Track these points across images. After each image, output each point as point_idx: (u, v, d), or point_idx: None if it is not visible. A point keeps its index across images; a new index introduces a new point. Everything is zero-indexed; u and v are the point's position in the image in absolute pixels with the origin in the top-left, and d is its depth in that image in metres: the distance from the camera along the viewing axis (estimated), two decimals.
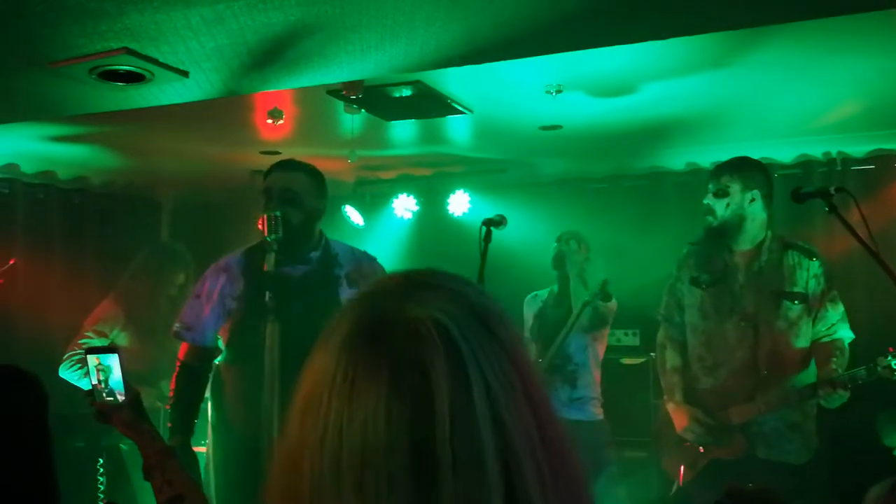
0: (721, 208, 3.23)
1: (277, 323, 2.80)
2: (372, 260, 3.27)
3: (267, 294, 2.81)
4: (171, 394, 3.08)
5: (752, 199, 3.22)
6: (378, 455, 0.74)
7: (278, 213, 2.89)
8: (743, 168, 3.26)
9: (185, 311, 3.17)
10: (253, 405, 2.84)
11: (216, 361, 3.15)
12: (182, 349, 3.15)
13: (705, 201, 3.30)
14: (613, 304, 4.20)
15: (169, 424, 3.02)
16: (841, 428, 3.48)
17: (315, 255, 3.11)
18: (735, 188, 3.22)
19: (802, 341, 3.21)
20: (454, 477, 0.73)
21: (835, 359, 3.12)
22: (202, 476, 3.12)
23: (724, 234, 3.26)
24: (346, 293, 3.10)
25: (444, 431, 0.74)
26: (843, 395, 3.01)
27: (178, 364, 3.12)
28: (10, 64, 2.54)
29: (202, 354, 3.11)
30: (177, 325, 3.14)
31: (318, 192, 3.12)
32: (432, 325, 0.78)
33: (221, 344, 3.12)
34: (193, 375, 3.11)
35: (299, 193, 3.02)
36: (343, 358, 0.79)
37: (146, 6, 2.08)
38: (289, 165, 3.12)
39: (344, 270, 3.14)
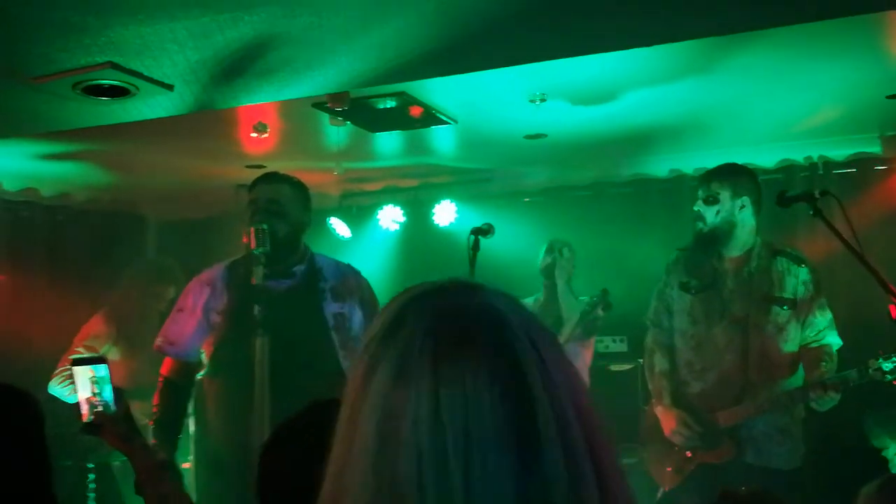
0: (711, 215, 3.24)
1: (266, 336, 2.78)
2: (357, 273, 3.26)
3: (256, 307, 2.79)
4: (154, 409, 3.06)
5: (742, 206, 3.23)
6: (486, 432, 0.78)
7: (265, 226, 2.88)
8: (733, 175, 3.28)
9: (168, 325, 3.14)
10: (236, 419, 2.82)
11: (199, 375, 3.13)
12: (165, 364, 3.12)
13: (695, 208, 3.30)
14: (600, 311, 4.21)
15: (153, 441, 2.98)
16: (829, 430, 3.49)
17: (300, 268, 3.10)
18: (725, 195, 3.23)
19: (791, 346, 3.22)
20: (557, 444, 0.80)
21: (824, 363, 3.14)
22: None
23: (714, 240, 3.27)
24: (330, 307, 3.09)
25: (544, 405, 0.80)
26: (834, 398, 3.02)
27: (161, 379, 3.09)
28: None
29: (185, 369, 3.09)
30: (159, 339, 3.12)
31: (304, 205, 3.11)
32: (510, 312, 0.86)
33: (204, 358, 3.10)
34: (176, 390, 3.08)
35: (285, 206, 3.02)
36: (427, 349, 0.82)
37: (131, 20, 2.08)
38: (274, 178, 3.11)
39: (328, 284, 3.13)
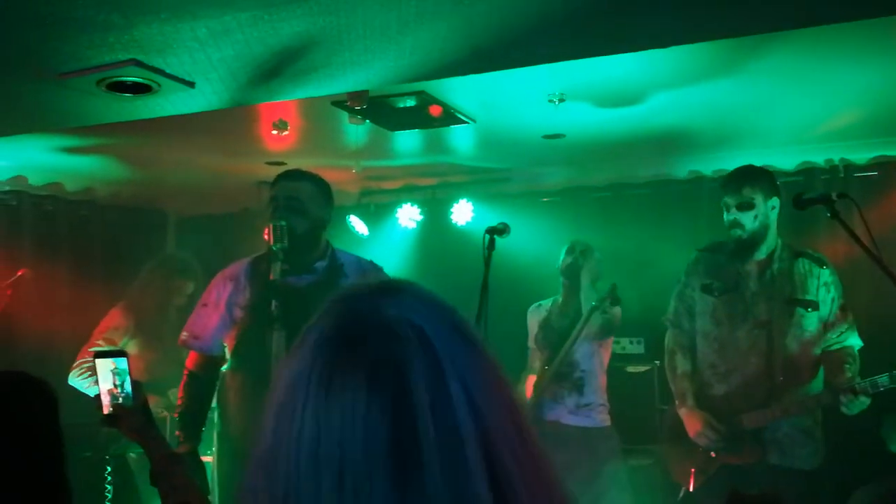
0: (749, 220, 3.22)
1: (283, 331, 2.81)
2: (378, 269, 3.28)
3: (273, 303, 2.83)
4: (178, 402, 3.12)
5: (773, 207, 3.25)
6: (357, 452, 0.75)
7: (284, 223, 2.90)
8: (760, 177, 3.28)
9: (192, 319, 3.19)
10: (256, 412, 2.85)
11: (222, 369, 3.17)
12: (189, 358, 3.17)
13: (730, 216, 3.27)
14: (617, 310, 4.19)
15: (178, 433, 3.04)
16: (848, 433, 3.47)
17: (321, 264, 3.12)
18: (758, 199, 3.22)
19: (815, 348, 3.23)
20: (439, 465, 0.74)
21: (848, 365, 3.14)
22: (208, 484, 3.12)
23: (753, 245, 3.27)
24: None
25: (427, 423, 0.75)
26: (864, 401, 3.01)
27: (186, 372, 3.14)
28: (20, 75, 2.57)
29: (209, 363, 3.13)
30: (184, 333, 3.16)
31: (324, 202, 3.13)
32: (407, 324, 0.81)
33: (227, 352, 3.14)
34: (200, 384, 3.12)
35: (304, 203, 3.04)
36: (319, 358, 0.80)
37: (154, 18, 2.11)
38: (294, 175, 3.13)
39: (349, 280, 3.14)
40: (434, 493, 0.74)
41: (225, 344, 3.12)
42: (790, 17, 2.39)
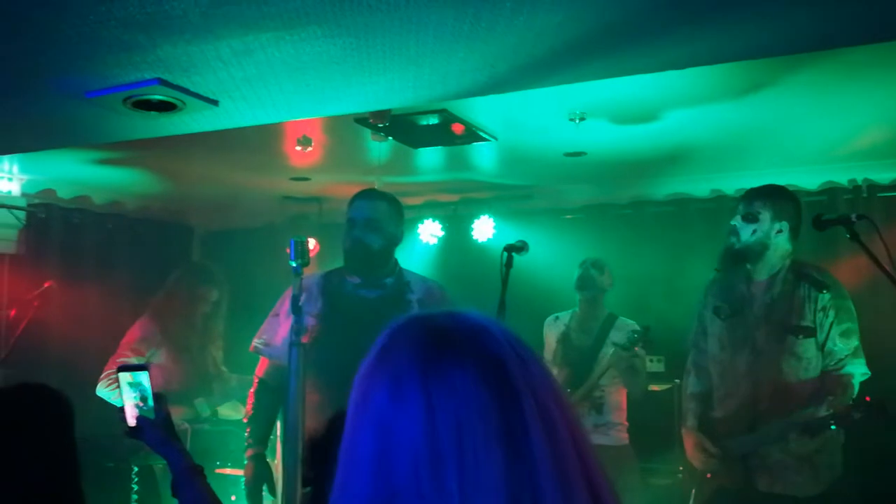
0: (747, 233, 3.21)
1: (302, 348, 2.87)
2: (441, 288, 3.42)
3: (294, 320, 2.88)
4: (248, 408, 3.28)
5: (780, 231, 3.19)
6: (473, 423, 0.86)
7: (304, 239, 2.97)
8: (776, 197, 3.23)
9: (264, 327, 3.33)
10: (318, 419, 2.94)
11: None
12: (260, 365, 3.32)
13: (732, 222, 3.28)
14: (641, 355, 4.14)
15: (247, 437, 3.20)
16: (860, 460, 3.40)
17: (390, 280, 3.28)
18: (765, 216, 3.19)
19: (810, 373, 3.14)
20: (544, 437, 0.87)
21: (831, 396, 3.06)
22: (272, 488, 3.21)
23: (744, 258, 3.24)
24: None
25: (529, 403, 0.89)
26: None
27: (256, 379, 3.30)
28: (48, 94, 2.63)
29: (278, 370, 3.25)
30: (256, 340, 3.31)
31: (398, 220, 3.31)
32: (497, 326, 0.96)
33: None
34: (269, 391, 3.26)
35: (381, 221, 3.21)
36: (417, 355, 0.92)
37: (178, 39, 2.16)
38: (371, 195, 3.32)
39: (416, 296, 3.29)
40: (539, 456, 0.86)
41: None
42: (810, 40, 2.39)
